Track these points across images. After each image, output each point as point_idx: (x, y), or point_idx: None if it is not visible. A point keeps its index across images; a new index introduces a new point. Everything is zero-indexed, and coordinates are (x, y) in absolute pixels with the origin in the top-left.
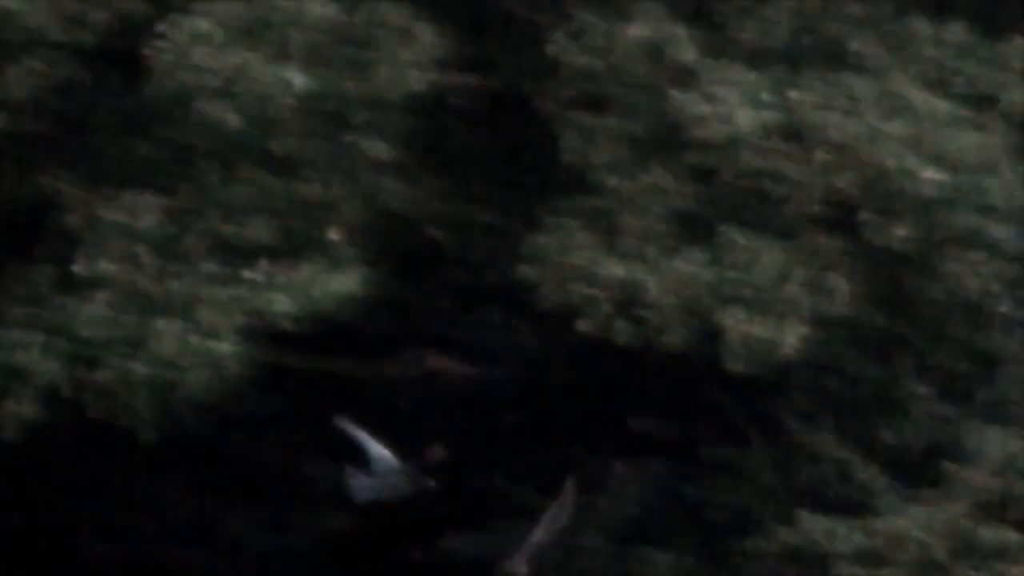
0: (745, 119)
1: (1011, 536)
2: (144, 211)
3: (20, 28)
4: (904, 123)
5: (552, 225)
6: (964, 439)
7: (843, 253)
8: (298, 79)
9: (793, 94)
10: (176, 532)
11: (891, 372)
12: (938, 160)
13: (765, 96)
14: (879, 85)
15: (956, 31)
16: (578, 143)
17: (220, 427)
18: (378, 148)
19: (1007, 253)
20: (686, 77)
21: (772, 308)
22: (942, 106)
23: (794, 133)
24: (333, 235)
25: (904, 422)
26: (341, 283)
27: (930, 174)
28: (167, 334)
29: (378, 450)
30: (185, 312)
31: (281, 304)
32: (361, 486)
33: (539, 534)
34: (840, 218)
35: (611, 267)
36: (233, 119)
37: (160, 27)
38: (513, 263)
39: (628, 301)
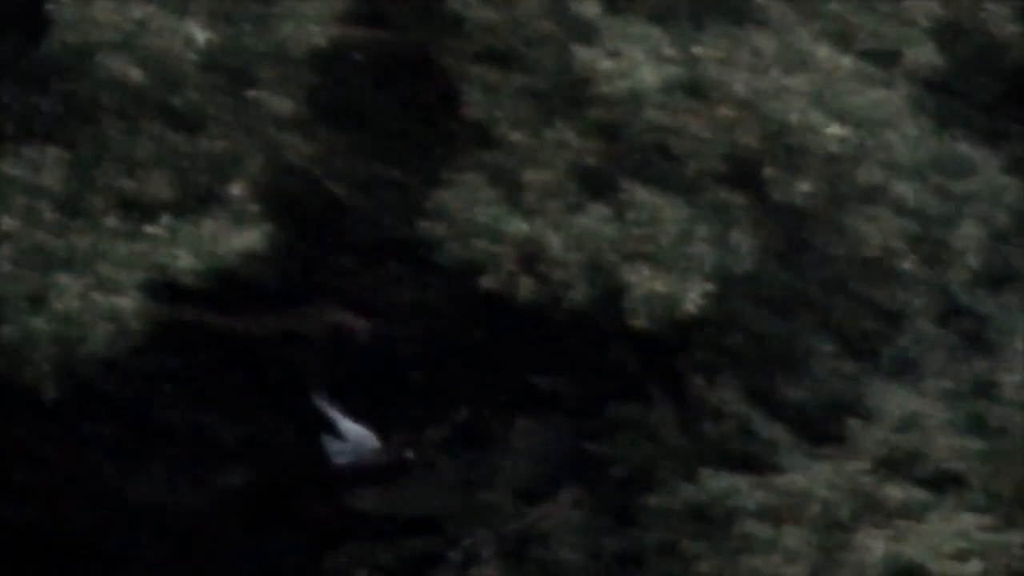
0: (648, 75)
1: (915, 493)
2: (46, 166)
3: None
4: (808, 79)
5: (455, 181)
6: (867, 396)
7: (746, 209)
8: (200, 34)
9: (697, 50)
10: (75, 488)
11: (794, 329)
12: (842, 116)
13: (668, 52)
14: (783, 41)
15: None
16: (481, 99)
17: (121, 383)
18: (281, 104)
19: (910, 209)
20: (589, 33)
21: (675, 264)
22: (846, 62)
23: (698, 89)
24: (236, 191)
25: (807, 379)
26: (244, 239)
27: (834, 130)
28: (69, 290)
29: (349, 425)
30: (87, 268)
31: (183, 260)
32: (337, 450)
33: None
34: (743, 174)
35: (514, 223)
36: (135, 74)
37: None
38: (416, 219)
39: (531, 257)
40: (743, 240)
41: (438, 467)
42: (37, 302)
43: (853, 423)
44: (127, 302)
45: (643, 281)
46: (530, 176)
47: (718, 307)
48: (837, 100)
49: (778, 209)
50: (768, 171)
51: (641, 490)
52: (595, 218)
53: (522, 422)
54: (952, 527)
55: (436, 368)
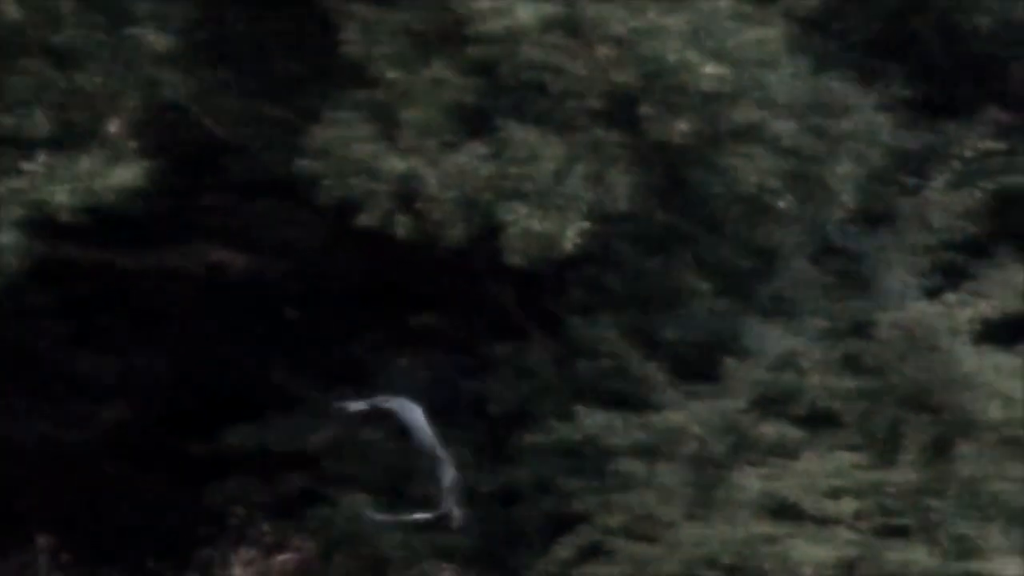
0: (526, 13)
1: (789, 431)
2: None
3: None
4: (685, 18)
5: (332, 118)
6: (743, 335)
7: (624, 148)
8: None
9: None
10: None
11: (670, 267)
12: (719, 55)
13: None
14: None
15: None
16: (359, 36)
17: None
18: (158, 40)
19: (786, 148)
20: None
21: (553, 203)
22: (723, 2)
23: (575, 28)
24: (113, 127)
25: (683, 318)
26: (121, 175)
27: (711, 69)
28: None
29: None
30: None
31: (60, 196)
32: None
33: None
34: (621, 113)
35: (391, 161)
36: (12, 10)
37: None
38: (294, 156)
39: (408, 195)
40: (620, 179)
41: (316, 404)
42: None
43: (729, 362)
44: (4, 239)
45: (520, 219)
46: (407, 114)
47: (595, 245)
48: (714, 39)
49: (655, 148)
50: (645, 110)
51: (517, 427)
52: (472, 156)
53: (399, 360)
54: (827, 465)
55: (313, 306)
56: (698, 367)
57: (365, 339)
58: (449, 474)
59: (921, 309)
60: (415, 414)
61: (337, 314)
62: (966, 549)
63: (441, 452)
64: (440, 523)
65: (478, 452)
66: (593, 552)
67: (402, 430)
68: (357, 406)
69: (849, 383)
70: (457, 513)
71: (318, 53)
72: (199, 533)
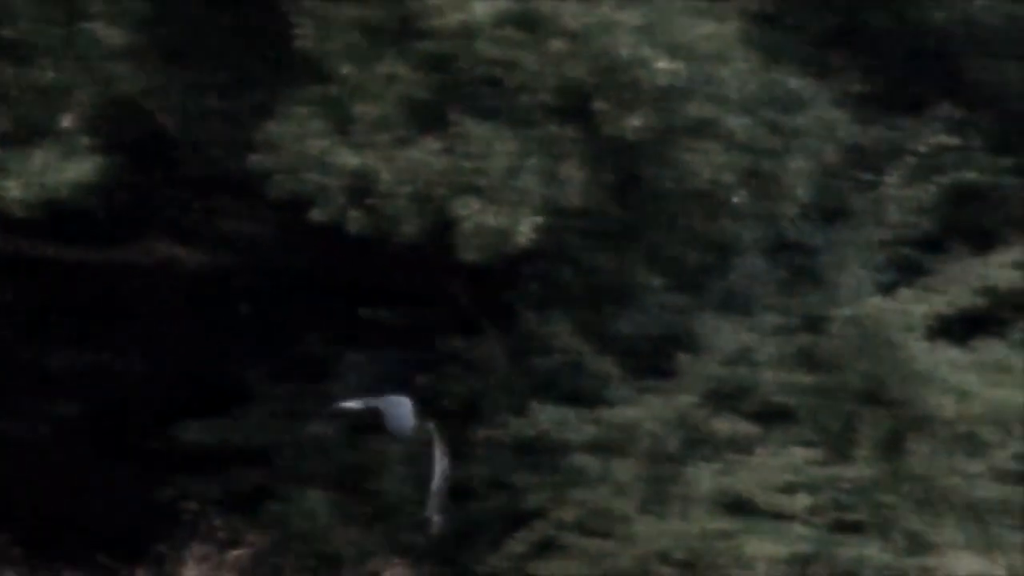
0: (480, 8)
1: (743, 427)
2: None
3: None
4: (639, 13)
5: (286, 113)
6: (697, 329)
7: (577, 143)
8: None
9: None
10: None
11: (624, 262)
12: (672, 50)
13: None
14: None
15: None
16: (313, 31)
17: None
18: (112, 35)
19: (741, 143)
20: None
21: (506, 198)
22: None
23: (529, 22)
24: (67, 122)
25: (637, 312)
26: (75, 170)
27: (664, 64)
28: None
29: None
30: None
31: (14, 191)
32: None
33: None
34: (574, 108)
35: (345, 156)
36: None
37: None
38: (247, 151)
39: (362, 190)
40: (574, 173)
41: (269, 399)
42: None
43: (683, 357)
44: None
45: (473, 214)
46: (361, 109)
47: (548, 240)
48: (668, 34)
49: (609, 143)
50: (599, 105)
51: (471, 423)
52: (426, 151)
53: (353, 354)
54: (780, 461)
55: (267, 301)
56: (652, 362)
57: (319, 334)
58: (437, 477)
59: (875, 304)
60: (403, 409)
61: (290, 309)
62: (920, 544)
63: (438, 452)
64: (420, 527)
65: (431, 447)
66: (547, 547)
67: (391, 428)
68: (351, 405)
69: (803, 378)
70: (437, 519)
71: (271, 48)
72: (152, 528)
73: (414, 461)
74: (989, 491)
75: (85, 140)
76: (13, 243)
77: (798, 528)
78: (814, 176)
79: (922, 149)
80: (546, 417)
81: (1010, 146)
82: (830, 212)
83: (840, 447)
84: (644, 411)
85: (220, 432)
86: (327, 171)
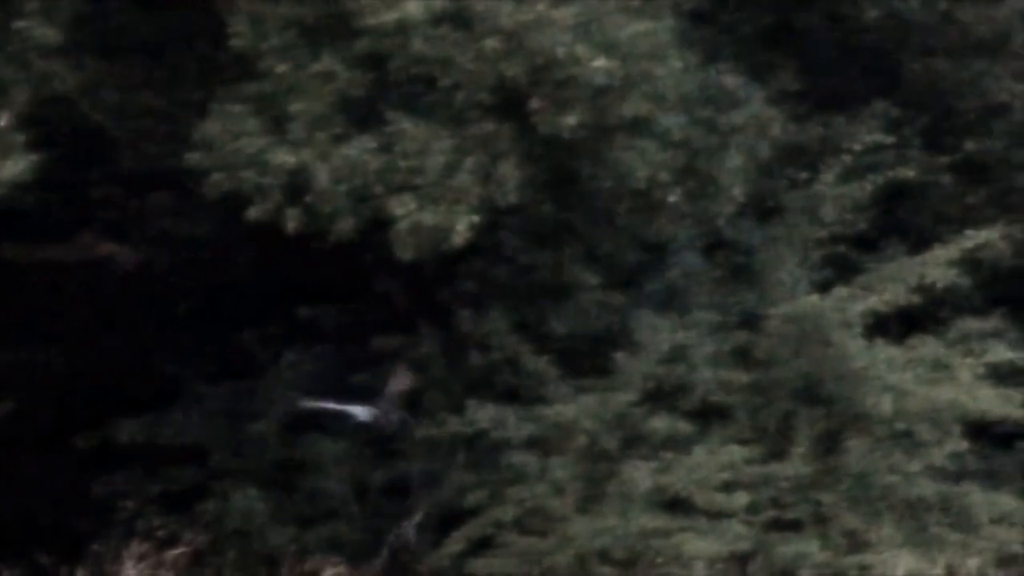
0: (415, 6)
1: (681, 425)
2: None
3: None
4: (574, 11)
5: (221, 112)
6: (633, 328)
7: (513, 141)
8: None
9: None
10: None
11: (560, 260)
12: (608, 48)
13: None
14: None
15: None
16: (247, 29)
17: None
18: (46, 33)
19: (676, 142)
20: None
21: (442, 196)
22: None
23: (464, 21)
24: (1, 121)
25: (574, 311)
26: (10, 169)
27: (600, 62)
28: None
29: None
30: None
31: None
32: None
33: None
34: (510, 106)
35: (281, 154)
36: None
37: None
38: (182, 149)
39: (298, 188)
40: (510, 172)
41: (206, 397)
42: None
43: (619, 355)
44: None
45: (410, 213)
46: (297, 107)
47: (485, 239)
48: (603, 32)
49: (545, 141)
50: (535, 103)
51: (408, 421)
52: (362, 149)
53: (289, 353)
54: (718, 459)
55: (202, 299)
56: (588, 360)
57: (255, 332)
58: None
59: (811, 302)
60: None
61: (227, 307)
62: (857, 543)
63: None
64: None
65: (367, 445)
66: (484, 546)
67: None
68: (364, 413)
69: (740, 377)
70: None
71: (206, 46)
72: (90, 527)
73: (354, 461)
74: (926, 489)
75: (20, 138)
76: None
77: (736, 526)
78: (750, 174)
79: (857, 147)
80: (483, 415)
81: (945, 144)
82: (766, 210)
83: (777, 445)
84: (581, 409)
85: (156, 430)
86: (263, 169)
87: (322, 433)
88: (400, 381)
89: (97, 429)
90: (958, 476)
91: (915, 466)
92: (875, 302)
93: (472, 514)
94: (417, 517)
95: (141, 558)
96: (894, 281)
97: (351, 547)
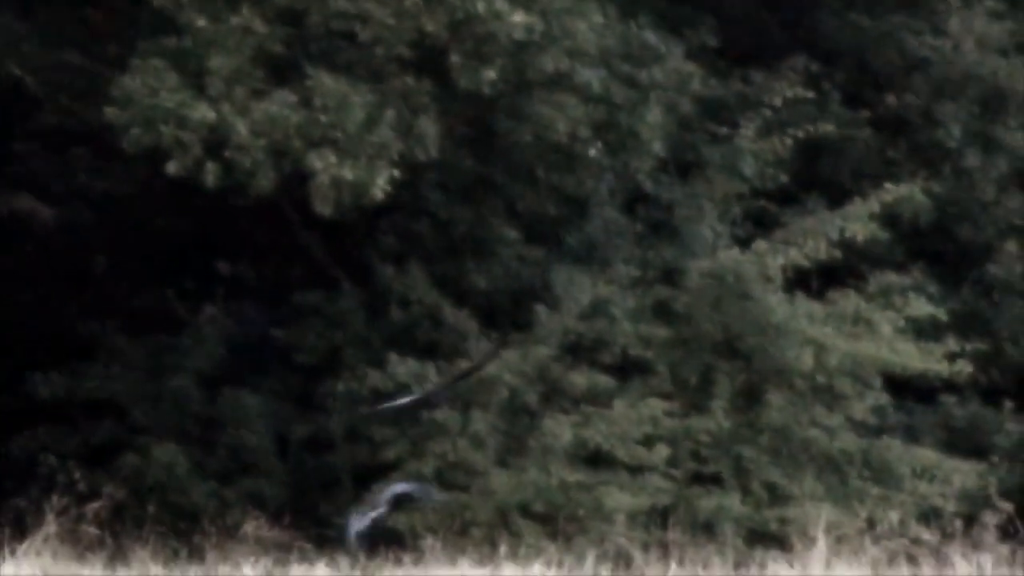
0: None
1: (601, 379)
2: None
3: None
4: None
5: (141, 66)
6: (553, 283)
7: (433, 96)
8: None
9: None
10: None
11: (480, 215)
12: (527, 3)
13: None
14: None
15: None
16: None
17: None
18: None
19: (596, 96)
20: None
21: (362, 151)
22: None
23: None
24: None
25: (494, 266)
26: None
27: (519, 17)
28: None
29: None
30: None
31: None
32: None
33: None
34: (430, 61)
35: (200, 109)
36: None
37: None
38: (101, 105)
39: (217, 143)
40: (429, 127)
41: (126, 352)
42: None
43: (539, 310)
44: None
45: (329, 167)
46: (216, 62)
47: (405, 194)
48: None
49: (465, 96)
50: (454, 58)
51: (328, 376)
52: (281, 104)
53: (208, 308)
54: (638, 413)
55: (122, 254)
56: (509, 315)
57: (175, 288)
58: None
59: (731, 257)
60: None
61: (145, 263)
62: (778, 496)
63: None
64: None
65: (288, 401)
66: (405, 500)
67: None
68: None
69: (660, 331)
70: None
71: (126, 1)
72: (9, 483)
73: (274, 416)
74: (847, 443)
75: None
76: None
77: (657, 480)
78: (670, 129)
79: (777, 102)
80: (404, 370)
81: (865, 99)
82: (686, 165)
83: (698, 399)
84: (501, 364)
85: (76, 385)
86: (182, 124)
87: (242, 387)
88: None
89: (17, 385)
90: (879, 430)
91: (836, 420)
92: (795, 256)
93: (392, 468)
94: (337, 471)
95: (61, 512)
96: (814, 235)
97: (272, 502)
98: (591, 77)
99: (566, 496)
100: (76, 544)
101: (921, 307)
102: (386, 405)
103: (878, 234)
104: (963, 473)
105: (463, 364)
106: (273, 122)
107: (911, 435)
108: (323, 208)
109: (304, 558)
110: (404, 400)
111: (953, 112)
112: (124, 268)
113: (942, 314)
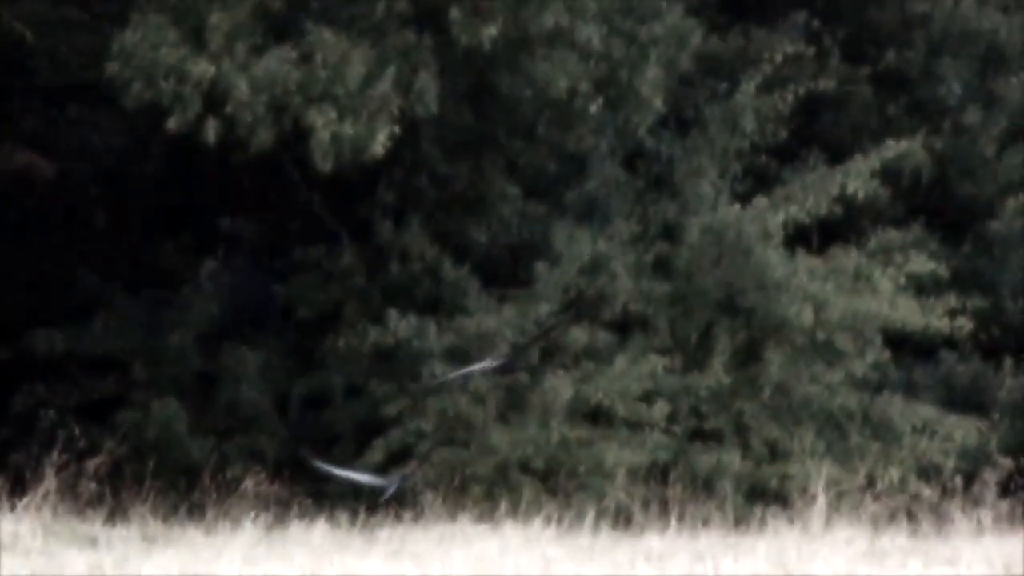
0: None
1: (601, 336)
2: None
3: None
4: None
5: (141, 22)
6: (553, 239)
7: (433, 52)
8: None
9: None
10: None
11: (480, 171)
12: None
13: None
14: None
15: None
16: None
17: None
18: None
19: (596, 53)
20: None
21: (362, 107)
22: None
23: None
24: None
25: (494, 222)
26: None
27: None
28: None
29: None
30: None
31: None
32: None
33: None
34: (430, 17)
35: (200, 65)
36: None
37: None
38: (102, 60)
39: (218, 99)
40: (429, 83)
41: (124, 308)
42: None
43: (539, 266)
44: None
45: (329, 124)
46: (216, 18)
47: (404, 150)
48: None
49: (465, 52)
50: (455, 14)
51: (328, 332)
52: (281, 60)
53: (208, 264)
54: (638, 369)
55: (121, 210)
56: (508, 271)
57: (175, 244)
58: None
59: (731, 213)
60: None
61: (145, 218)
62: (777, 452)
63: None
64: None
65: (288, 356)
66: (404, 456)
67: None
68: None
69: (660, 287)
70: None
71: None
72: (8, 438)
73: (274, 371)
74: (847, 400)
75: None
76: None
77: (656, 436)
78: (670, 85)
79: (777, 58)
80: (403, 326)
81: (865, 55)
82: (686, 121)
83: (697, 356)
84: (501, 320)
85: (75, 341)
86: (182, 80)
87: (242, 343)
88: None
89: (16, 340)
90: (879, 387)
91: (835, 376)
92: (795, 212)
93: (391, 424)
94: (336, 427)
95: (61, 468)
96: (814, 192)
97: (271, 457)
98: (591, 33)
99: (566, 452)
100: (76, 500)
101: (921, 264)
102: (460, 371)
103: (878, 191)
104: (963, 430)
105: (463, 320)
106: (273, 78)
107: (911, 392)
108: (323, 164)
109: (304, 513)
110: (477, 366)
111: (953, 68)
112: (124, 224)
113: (942, 271)
